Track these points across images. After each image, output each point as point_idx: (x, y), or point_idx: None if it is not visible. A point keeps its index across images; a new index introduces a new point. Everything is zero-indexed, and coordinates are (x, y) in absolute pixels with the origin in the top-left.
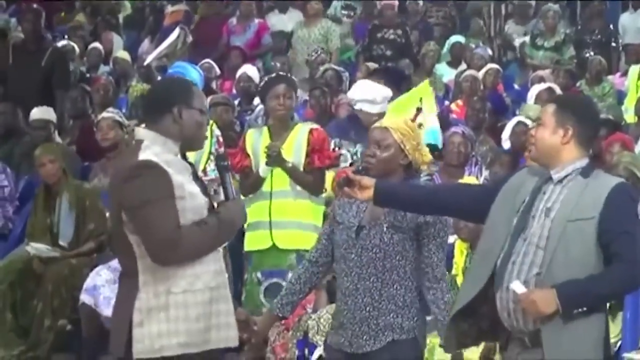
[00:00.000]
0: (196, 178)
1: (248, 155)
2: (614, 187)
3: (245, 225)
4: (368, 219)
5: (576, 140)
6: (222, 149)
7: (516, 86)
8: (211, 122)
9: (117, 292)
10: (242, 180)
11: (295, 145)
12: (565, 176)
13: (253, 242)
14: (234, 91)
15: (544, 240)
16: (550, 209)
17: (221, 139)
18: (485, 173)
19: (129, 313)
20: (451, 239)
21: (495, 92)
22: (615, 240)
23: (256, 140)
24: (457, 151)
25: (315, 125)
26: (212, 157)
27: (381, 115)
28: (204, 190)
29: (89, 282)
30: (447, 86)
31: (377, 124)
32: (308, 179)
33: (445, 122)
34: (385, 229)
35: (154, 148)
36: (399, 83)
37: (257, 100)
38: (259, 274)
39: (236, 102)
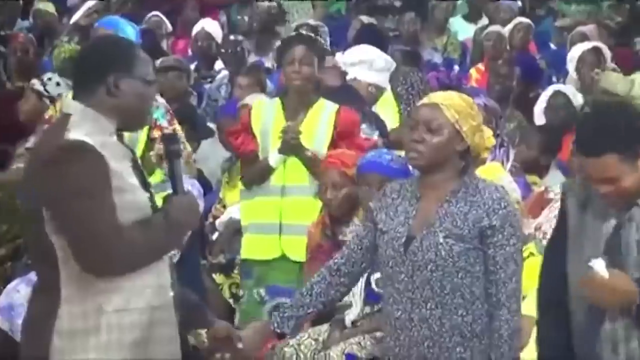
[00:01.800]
0: (136, 167)
1: (254, 136)
2: None
3: (243, 224)
4: (419, 225)
5: None
6: (173, 128)
7: (553, 45)
8: None
9: (28, 308)
10: (244, 167)
11: (318, 128)
12: None
13: (256, 249)
14: (190, 52)
15: None
16: None
17: (171, 113)
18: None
19: (47, 336)
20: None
21: (526, 53)
22: None
23: (266, 117)
24: None
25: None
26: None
27: (380, 88)
28: (146, 183)
29: (2, 301)
30: (463, 46)
31: (425, 100)
32: None
33: (459, 92)
34: (441, 238)
35: (84, 126)
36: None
37: (219, 64)
38: (261, 291)
39: (192, 66)
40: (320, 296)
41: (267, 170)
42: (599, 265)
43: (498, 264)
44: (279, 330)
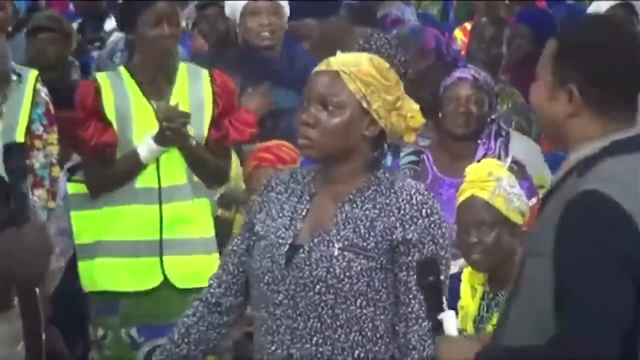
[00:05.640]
0: None
1: (109, 123)
2: (574, 198)
3: (81, 243)
4: (309, 231)
5: (590, 109)
6: (48, 139)
7: None
8: (33, 73)
9: None
10: (95, 169)
11: (193, 104)
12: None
13: (125, 276)
14: (72, 8)
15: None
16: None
17: (51, 106)
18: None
19: None
20: (454, 267)
21: (534, 7)
22: (563, 291)
23: (120, 94)
24: (464, 112)
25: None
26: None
27: (278, 23)
28: None
29: None
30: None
31: (321, 66)
32: (217, 165)
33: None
34: (336, 250)
35: None
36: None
37: (111, 24)
38: (133, 331)
39: (75, 26)
40: (199, 343)
41: (136, 169)
42: (449, 321)
43: (411, 293)
44: None
